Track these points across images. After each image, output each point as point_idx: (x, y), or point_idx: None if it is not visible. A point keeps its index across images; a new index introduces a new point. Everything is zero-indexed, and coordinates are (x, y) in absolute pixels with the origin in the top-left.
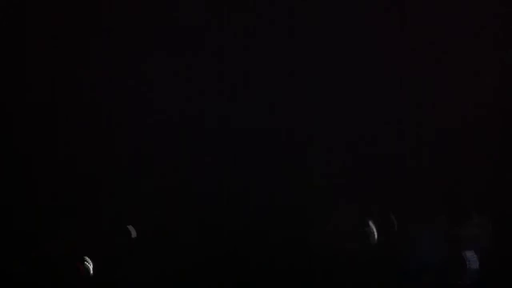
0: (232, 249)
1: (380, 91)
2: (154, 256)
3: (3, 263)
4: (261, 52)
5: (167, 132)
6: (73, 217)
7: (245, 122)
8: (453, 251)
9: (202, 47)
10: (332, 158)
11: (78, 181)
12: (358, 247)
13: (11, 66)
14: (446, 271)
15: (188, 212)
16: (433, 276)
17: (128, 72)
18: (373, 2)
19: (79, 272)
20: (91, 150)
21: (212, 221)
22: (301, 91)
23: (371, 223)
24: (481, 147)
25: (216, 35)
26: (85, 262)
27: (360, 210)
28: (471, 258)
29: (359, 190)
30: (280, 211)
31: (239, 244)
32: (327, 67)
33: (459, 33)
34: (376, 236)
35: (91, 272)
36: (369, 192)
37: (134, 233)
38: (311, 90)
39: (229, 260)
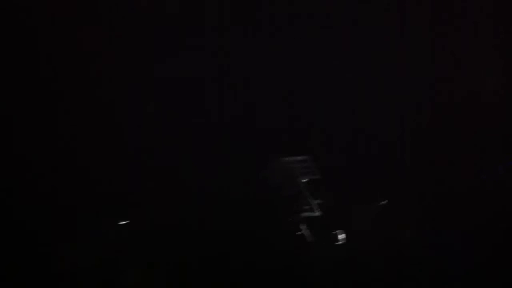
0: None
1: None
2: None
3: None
4: (261, 53)
5: (167, 133)
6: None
7: (244, 122)
8: None
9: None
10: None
11: (77, 181)
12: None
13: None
14: None
15: (185, 212)
16: None
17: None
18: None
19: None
20: (92, 150)
21: (208, 221)
22: (300, 92)
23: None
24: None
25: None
26: None
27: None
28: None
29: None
30: (277, 210)
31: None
32: (327, 67)
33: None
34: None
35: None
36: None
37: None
38: (310, 90)
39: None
